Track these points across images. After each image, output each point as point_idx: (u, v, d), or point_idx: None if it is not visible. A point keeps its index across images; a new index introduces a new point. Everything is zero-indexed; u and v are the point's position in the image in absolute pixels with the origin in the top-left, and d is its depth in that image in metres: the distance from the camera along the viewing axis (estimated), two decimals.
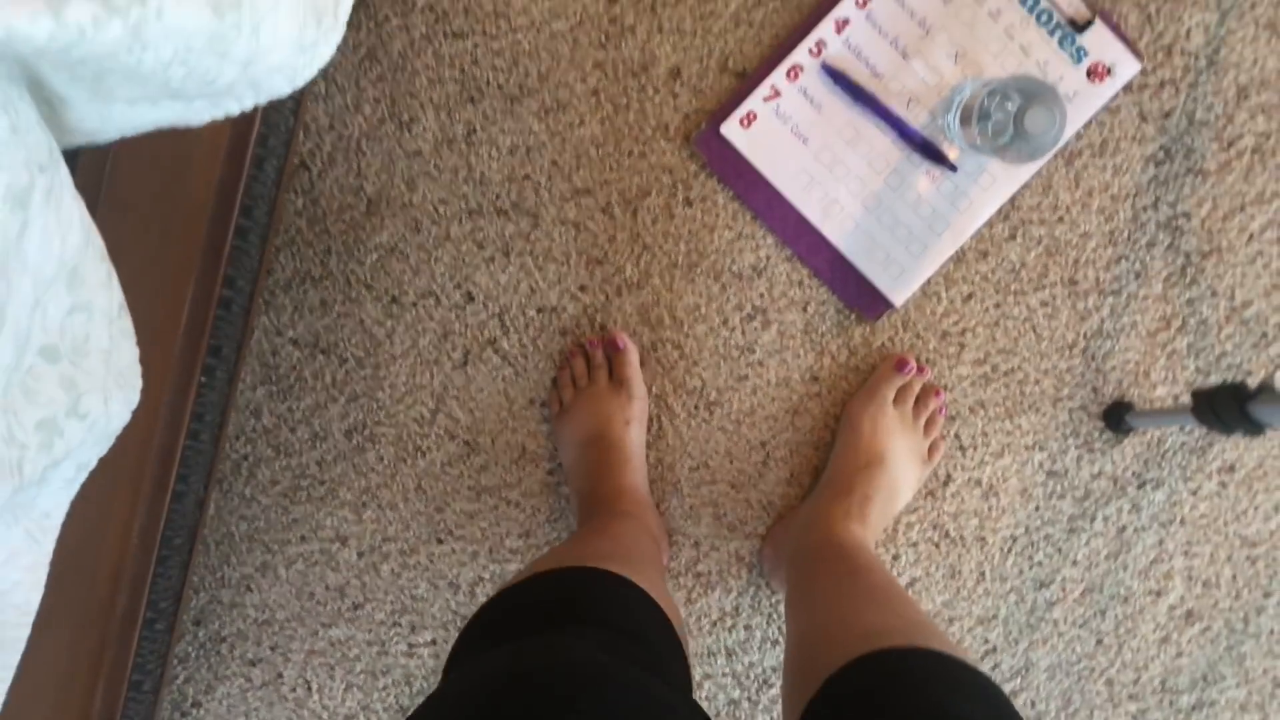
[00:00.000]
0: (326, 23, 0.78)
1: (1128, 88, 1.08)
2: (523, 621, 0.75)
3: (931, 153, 1.09)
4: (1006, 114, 0.97)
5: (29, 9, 0.53)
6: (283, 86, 0.78)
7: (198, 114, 0.75)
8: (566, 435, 1.13)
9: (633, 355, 1.13)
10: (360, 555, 1.18)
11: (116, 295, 0.76)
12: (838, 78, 1.07)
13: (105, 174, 0.86)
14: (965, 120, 1.01)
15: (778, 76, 1.08)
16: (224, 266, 0.99)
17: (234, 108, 0.77)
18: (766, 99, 1.08)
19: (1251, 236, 1.11)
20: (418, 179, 1.11)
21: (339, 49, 0.78)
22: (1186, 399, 1.12)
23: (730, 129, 1.09)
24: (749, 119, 1.09)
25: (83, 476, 0.74)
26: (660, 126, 1.10)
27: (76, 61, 0.61)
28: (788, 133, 1.09)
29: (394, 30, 1.08)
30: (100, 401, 0.73)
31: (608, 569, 0.81)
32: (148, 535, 1.04)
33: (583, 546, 0.92)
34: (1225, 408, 0.95)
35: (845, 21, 1.07)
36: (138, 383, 0.76)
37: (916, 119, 1.09)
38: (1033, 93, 0.96)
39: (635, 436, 1.13)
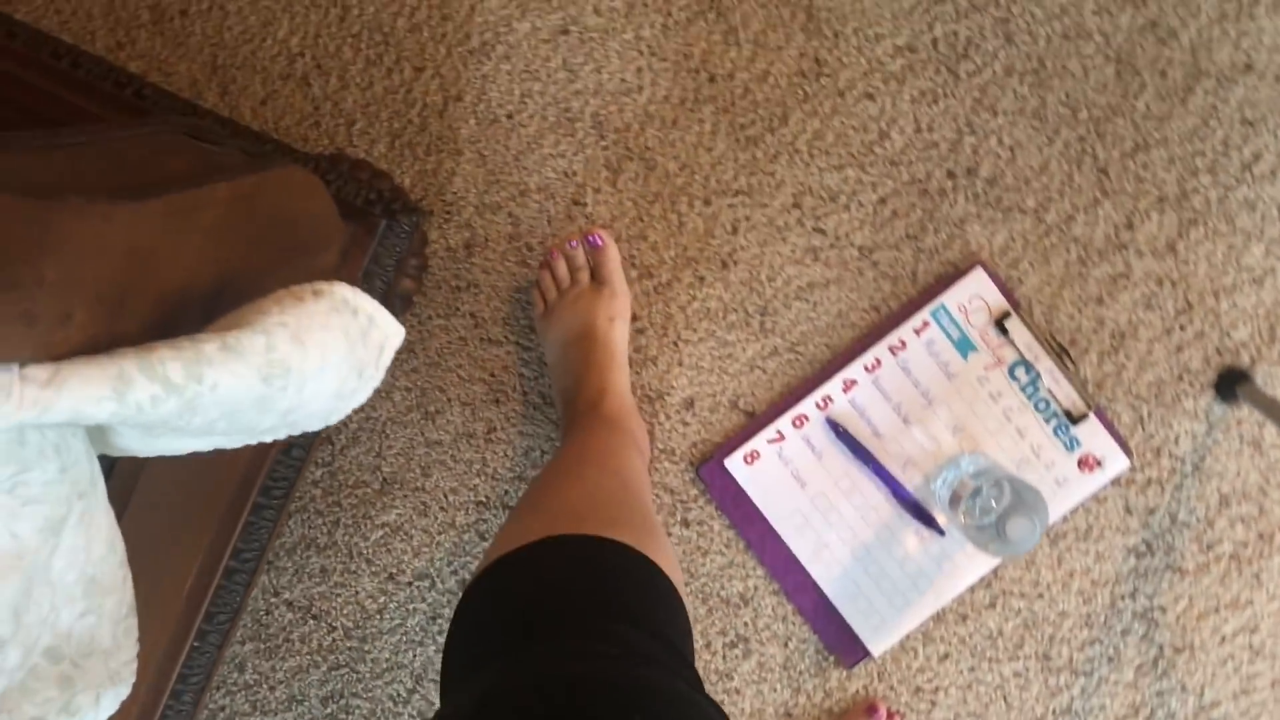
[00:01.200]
0: (368, 374, 0.85)
1: (1116, 481, 1.14)
2: (551, 611, 0.70)
3: (922, 515, 1.13)
4: (991, 509, 1.02)
5: (96, 393, 0.59)
6: (317, 426, 0.85)
7: (234, 444, 0.81)
8: (551, 335, 1.13)
9: (613, 252, 1.13)
10: None
11: (128, 597, 0.80)
12: (840, 433, 1.14)
13: (141, 471, 0.92)
14: (954, 502, 1.06)
15: (784, 422, 1.14)
16: (235, 540, 1.04)
17: (268, 439, 0.83)
18: (771, 441, 1.14)
19: (1224, 639, 1.14)
20: (433, 466, 1.16)
21: None
22: None
23: (734, 463, 1.15)
24: (752, 456, 1.14)
25: None
26: (668, 449, 1.16)
27: (132, 423, 0.68)
28: (788, 475, 1.15)
29: (435, 329, 1.16)
30: (92, 699, 0.77)
31: (618, 539, 0.76)
32: None
33: (579, 489, 0.89)
34: None
35: (853, 382, 1.14)
36: (131, 678, 0.79)
37: (911, 481, 1.14)
38: (1021, 497, 1.01)
39: (619, 333, 1.12)
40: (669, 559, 0.80)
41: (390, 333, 0.86)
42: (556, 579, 0.73)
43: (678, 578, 0.79)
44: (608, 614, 0.69)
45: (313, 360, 0.74)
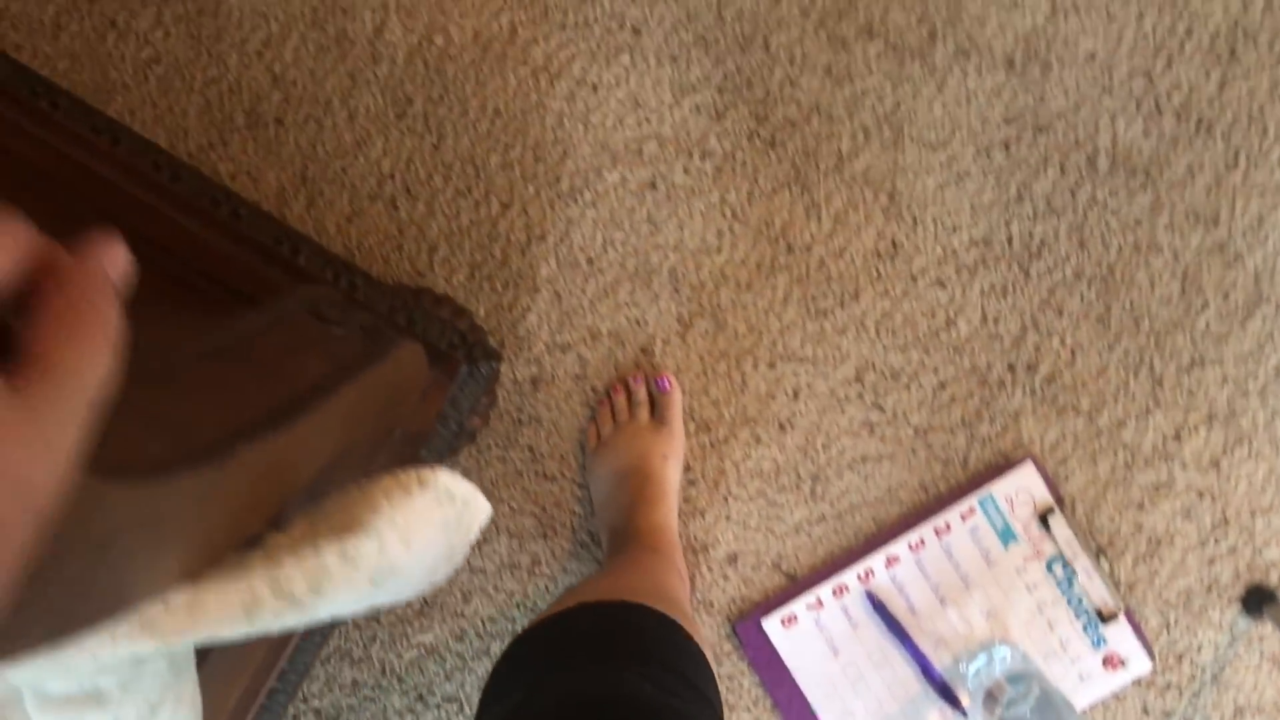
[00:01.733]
0: (456, 557, 0.86)
1: (1137, 681, 1.17)
2: (576, 650, 0.74)
3: (947, 695, 1.16)
4: (1023, 711, 1.05)
5: (230, 615, 0.61)
6: (397, 603, 0.86)
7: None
8: (602, 468, 1.13)
9: (677, 396, 1.15)
10: None
11: None
12: (878, 606, 1.16)
13: None
14: (988, 701, 1.09)
15: (825, 590, 1.17)
16: (282, 662, 1.05)
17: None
18: (810, 607, 1.17)
19: None
20: (474, 593, 1.18)
21: None
22: None
23: (771, 624, 1.17)
24: (790, 620, 1.17)
25: None
26: (707, 602, 1.18)
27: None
28: (822, 642, 1.17)
29: (493, 459, 1.17)
30: None
31: (649, 605, 0.79)
32: None
33: (617, 580, 0.90)
34: None
35: (896, 558, 1.17)
36: None
37: (940, 660, 1.17)
38: (1052, 702, 1.04)
39: (672, 473, 1.13)
40: (703, 638, 0.82)
41: (480, 509, 0.88)
42: (588, 630, 0.76)
43: (710, 654, 0.81)
44: (639, 658, 0.72)
45: (416, 558, 0.76)
